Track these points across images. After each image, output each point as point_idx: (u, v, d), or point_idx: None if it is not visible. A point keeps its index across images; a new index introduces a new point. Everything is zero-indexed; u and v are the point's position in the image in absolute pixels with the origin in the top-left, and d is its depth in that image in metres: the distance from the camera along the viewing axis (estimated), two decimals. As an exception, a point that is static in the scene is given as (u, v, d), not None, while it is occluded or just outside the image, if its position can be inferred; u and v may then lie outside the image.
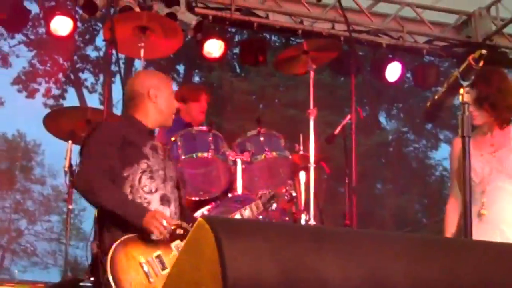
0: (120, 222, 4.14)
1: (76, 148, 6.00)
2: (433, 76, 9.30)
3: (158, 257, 4.14)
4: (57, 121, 6.33)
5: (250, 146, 5.66)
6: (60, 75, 23.81)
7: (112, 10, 7.52)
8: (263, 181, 5.81)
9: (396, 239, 2.42)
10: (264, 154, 5.70)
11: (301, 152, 6.14)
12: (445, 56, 9.62)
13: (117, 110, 20.48)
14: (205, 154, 5.45)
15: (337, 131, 6.60)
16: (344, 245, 2.17)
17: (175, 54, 18.13)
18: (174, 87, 25.00)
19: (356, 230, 4.94)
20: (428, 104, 3.52)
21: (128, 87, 4.71)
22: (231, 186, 5.63)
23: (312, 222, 5.89)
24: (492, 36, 9.19)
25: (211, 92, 8.56)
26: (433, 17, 9.23)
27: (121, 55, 5.75)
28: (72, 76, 24.57)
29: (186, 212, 4.70)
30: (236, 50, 16.78)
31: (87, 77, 25.06)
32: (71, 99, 24.11)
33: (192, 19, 7.70)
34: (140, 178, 4.32)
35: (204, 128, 5.62)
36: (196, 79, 24.96)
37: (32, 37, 23.26)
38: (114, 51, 5.33)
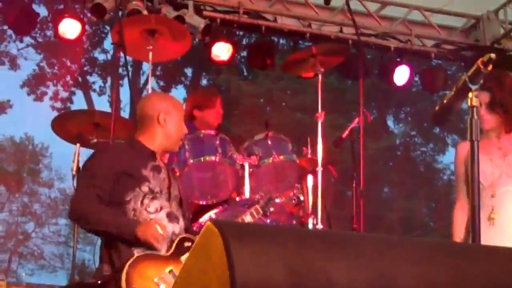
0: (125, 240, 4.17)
1: (84, 151, 6.01)
2: (441, 80, 9.27)
3: (170, 272, 4.14)
4: (65, 124, 6.33)
5: (258, 149, 5.65)
6: (68, 78, 23.87)
7: (120, 13, 7.52)
8: (270, 184, 5.80)
9: (405, 243, 2.41)
10: (271, 158, 5.69)
11: (309, 156, 6.13)
12: (453, 59, 9.60)
13: (125, 113, 20.57)
14: (213, 158, 5.43)
15: (345, 134, 6.59)
16: (353, 249, 2.16)
17: (183, 57, 18.12)
18: (182, 90, 25.05)
19: (365, 234, 4.93)
20: (437, 108, 3.50)
21: (139, 108, 4.70)
22: (238, 190, 5.62)
23: (319, 226, 5.88)
24: (500, 40, 9.17)
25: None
26: (441, 21, 9.21)
27: (129, 58, 5.74)
28: (80, 79, 24.64)
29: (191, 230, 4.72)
30: (244, 53, 16.83)
31: (95, 80, 25.17)
32: (79, 102, 24.22)
33: (200, 22, 7.70)
34: (142, 200, 4.31)
35: (212, 131, 5.61)
36: (204, 82, 25.01)
37: (40, 40, 23.34)
38: (122, 54, 5.32)
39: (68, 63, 23.46)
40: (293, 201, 5.78)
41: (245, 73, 23.60)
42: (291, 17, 8.76)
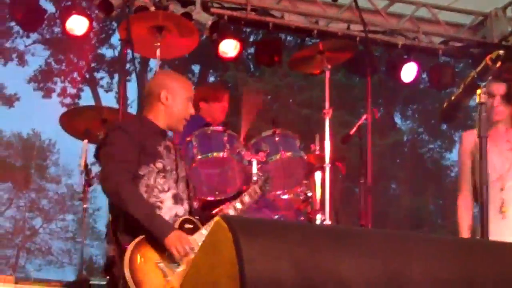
0: (133, 225, 4.16)
1: (92, 147, 6.02)
2: (449, 77, 9.25)
3: (170, 255, 4.17)
4: (73, 120, 6.35)
5: (265, 146, 5.64)
6: (76, 75, 23.88)
7: (127, 10, 7.52)
8: (278, 181, 5.79)
9: (413, 239, 2.41)
10: (279, 154, 5.68)
11: (317, 152, 6.13)
12: (461, 56, 9.58)
13: (132, 110, 20.55)
14: (221, 154, 5.43)
15: (352, 131, 6.57)
16: (362, 245, 2.16)
17: (190, 54, 18.13)
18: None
19: (374, 230, 4.94)
20: (445, 104, 3.51)
21: (146, 85, 4.74)
22: (246, 186, 5.62)
23: (327, 222, 5.87)
24: (508, 37, 9.14)
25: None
26: (448, 18, 9.20)
27: (136, 55, 5.74)
28: (87, 76, 24.64)
29: (195, 211, 4.70)
30: (251, 50, 16.78)
31: (103, 76, 25.17)
32: (86, 98, 24.23)
33: (207, 19, 7.70)
34: (155, 177, 4.34)
35: (219, 128, 5.61)
36: (211, 79, 24.99)
37: (47, 36, 23.35)
38: (130, 51, 5.32)
39: (76, 60, 23.47)
40: (301, 197, 5.78)
41: (253, 70, 23.57)
42: (299, 14, 8.75)
